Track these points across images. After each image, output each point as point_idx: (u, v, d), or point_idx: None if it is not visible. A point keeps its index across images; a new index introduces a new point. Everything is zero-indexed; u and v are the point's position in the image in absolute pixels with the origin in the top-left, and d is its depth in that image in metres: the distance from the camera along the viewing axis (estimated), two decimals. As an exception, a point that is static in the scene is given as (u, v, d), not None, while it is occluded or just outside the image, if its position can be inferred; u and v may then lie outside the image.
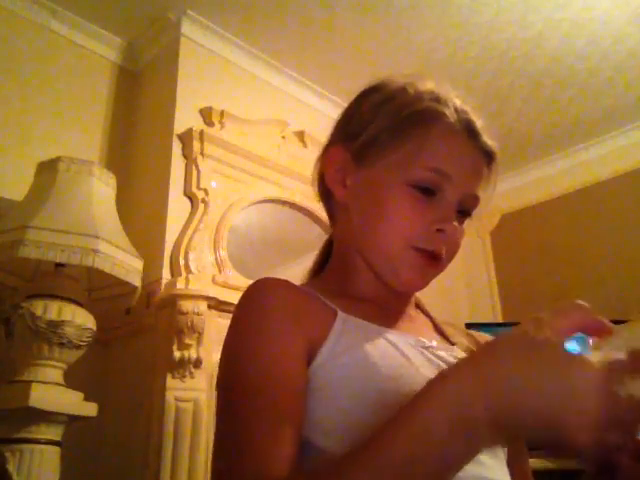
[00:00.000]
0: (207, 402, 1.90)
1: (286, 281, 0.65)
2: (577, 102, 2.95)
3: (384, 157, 0.66)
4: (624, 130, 3.17)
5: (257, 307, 0.62)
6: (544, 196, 3.41)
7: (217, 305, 1.98)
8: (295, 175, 2.53)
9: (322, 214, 2.64)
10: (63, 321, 1.64)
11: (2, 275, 1.84)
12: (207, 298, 1.94)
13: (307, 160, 2.62)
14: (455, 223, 0.65)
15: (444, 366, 0.62)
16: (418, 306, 0.76)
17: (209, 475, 1.79)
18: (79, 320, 1.68)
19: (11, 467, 1.50)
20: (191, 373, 1.88)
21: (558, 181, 3.38)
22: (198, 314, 1.88)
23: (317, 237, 2.58)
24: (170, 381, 1.86)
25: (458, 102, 0.67)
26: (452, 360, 0.64)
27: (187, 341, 1.88)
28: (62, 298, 1.69)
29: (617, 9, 2.41)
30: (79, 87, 2.43)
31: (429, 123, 0.65)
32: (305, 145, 2.65)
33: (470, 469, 0.46)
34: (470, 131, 0.65)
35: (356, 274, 0.70)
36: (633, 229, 3.04)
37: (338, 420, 0.55)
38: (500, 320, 3.27)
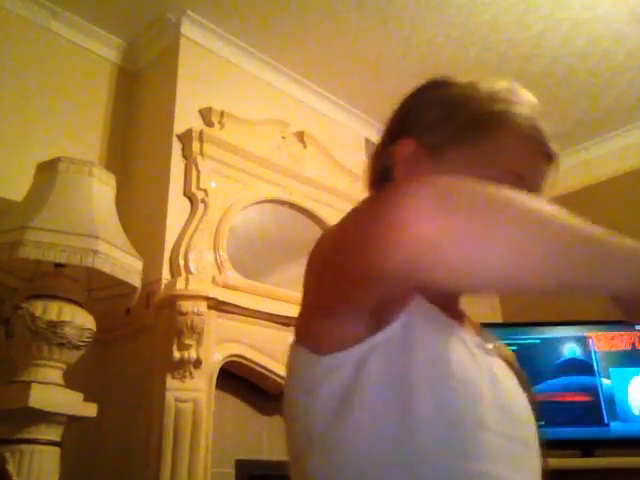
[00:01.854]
0: (207, 402, 1.90)
1: None
2: (577, 102, 2.95)
3: (462, 154, 0.65)
4: (624, 130, 3.17)
5: None
6: (544, 196, 3.41)
7: (217, 305, 1.99)
8: (295, 175, 2.53)
9: (322, 214, 2.64)
10: (63, 321, 1.64)
11: (2, 275, 1.84)
12: (207, 298, 1.94)
13: (307, 161, 2.63)
14: None
15: (502, 370, 0.63)
16: None
17: (209, 475, 1.78)
18: (79, 320, 1.68)
19: (11, 467, 1.50)
20: (191, 373, 1.88)
21: (558, 181, 3.37)
22: (198, 314, 1.88)
23: (316, 237, 2.59)
24: (170, 381, 1.86)
25: (531, 104, 0.67)
26: (504, 365, 0.65)
27: (187, 341, 1.88)
28: (62, 298, 1.69)
29: (617, 9, 2.41)
30: (79, 87, 2.43)
31: (506, 125, 0.65)
32: (305, 145, 2.65)
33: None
34: (540, 136, 0.66)
35: None
36: (633, 229, 3.03)
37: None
38: (500, 320, 3.27)
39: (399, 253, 0.44)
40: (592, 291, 0.48)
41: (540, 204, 0.46)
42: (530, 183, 0.65)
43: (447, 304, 0.65)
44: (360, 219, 0.51)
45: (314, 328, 0.59)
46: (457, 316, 0.67)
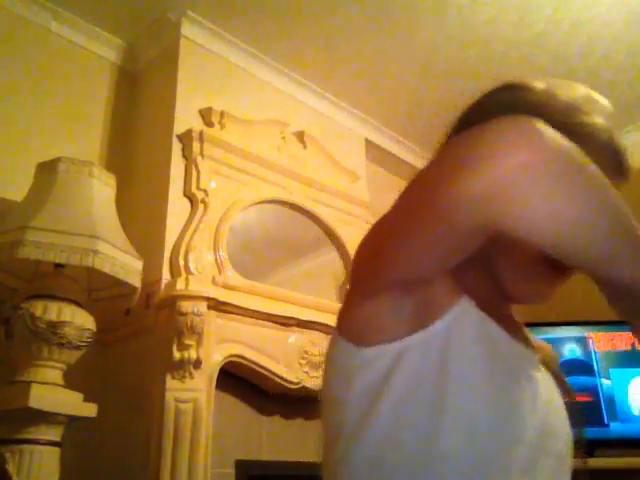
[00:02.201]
0: (207, 402, 1.90)
1: None
2: (577, 102, 2.95)
3: None
4: (624, 130, 3.16)
5: None
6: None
7: (217, 306, 1.99)
8: (295, 175, 2.53)
9: (322, 215, 2.64)
10: (63, 322, 1.64)
11: (2, 276, 1.84)
12: (207, 299, 1.94)
13: (307, 161, 2.63)
14: None
15: (544, 382, 0.62)
16: None
17: (209, 475, 1.78)
18: (79, 321, 1.68)
19: (11, 468, 1.50)
20: (191, 374, 1.88)
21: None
22: (198, 315, 1.88)
23: (316, 237, 2.59)
24: (170, 382, 1.86)
25: (608, 115, 0.67)
26: (546, 375, 0.64)
27: (187, 342, 1.88)
28: (62, 299, 1.69)
29: (617, 9, 2.41)
30: (79, 88, 2.43)
31: (582, 138, 0.61)
32: (305, 146, 2.65)
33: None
34: (616, 150, 0.66)
35: (479, 269, 0.66)
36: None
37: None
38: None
39: (481, 182, 0.43)
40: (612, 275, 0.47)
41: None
42: None
43: (497, 308, 0.63)
44: (441, 156, 0.52)
45: (356, 319, 0.59)
46: (507, 321, 0.65)
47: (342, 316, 0.62)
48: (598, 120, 0.65)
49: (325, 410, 0.63)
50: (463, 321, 0.57)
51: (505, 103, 0.68)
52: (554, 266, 0.62)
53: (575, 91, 0.68)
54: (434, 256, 0.52)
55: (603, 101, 0.68)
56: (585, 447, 2.34)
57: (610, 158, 0.65)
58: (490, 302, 0.62)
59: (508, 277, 0.65)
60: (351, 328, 0.59)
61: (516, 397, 0.57)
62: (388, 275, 0.55)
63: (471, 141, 0.47)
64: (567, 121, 0.63)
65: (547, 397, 0.61)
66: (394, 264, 0.54)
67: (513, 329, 0.65)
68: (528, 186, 0.43)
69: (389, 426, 0.54)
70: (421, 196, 0.51)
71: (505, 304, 0.69)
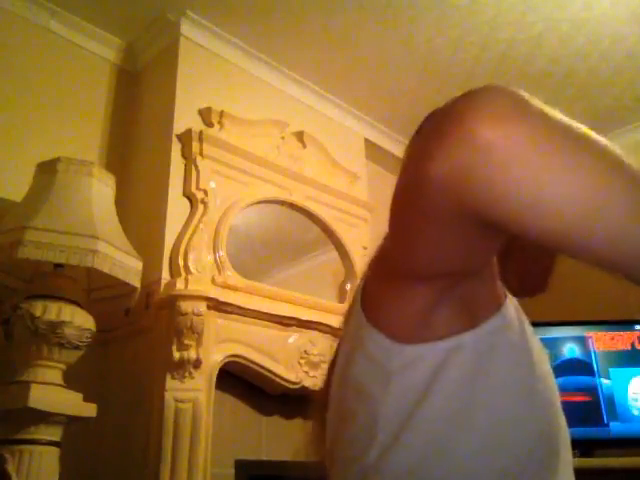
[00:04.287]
0: (206, 402, 1.90)
1: None
2: (576, 102, 2.95)
3: None
4: (624, 130, 3.16)
5: None
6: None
7: (216, 306, 1.99)
8: (295, 175, 2.53)
9: (321, 215, 2.64)
10: (62, 322, 1.63)
11: (1, 276, 1.84)
12: (206, 299, 1.94)
13: (306, 161, 2.63)
14: None
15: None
16: None
17: (208, 475, 1.79)
18: (78, 321, 1.68)
19: (10, 468, 1.50)
20: (190, 374, 1.88)
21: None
22: (197, 315, 1.88)
23: (316, 237, 2.59)
24: (169, 382, 1.86)
25: None
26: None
27: (186, 342, 1.88)
28: (61, 299, 1.69)
29: (616, 9, 2.41)
30: (78, 88, 2.42)
31: None
32: (304, 146, 2.65)
33: None
34: None
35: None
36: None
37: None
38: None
39: (452, 156, 0.38)
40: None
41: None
42: None
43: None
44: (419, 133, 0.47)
45: (397, 314, 0.54)
46: None
47: (375, 306, 0.56)
48: None
49: (346, 399, 0.58)
50: (510, 323, 0.55)
51: None
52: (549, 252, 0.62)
53: None
54: (448, 251, 0.47)
55: None
56: (585, 447, 2.34)
57: None
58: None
59: (514, 270, 0.65)
60: (391, 322, 0.54)
61: (550, 395, 0.57)
62: (423, 270, 0.50)
63: (440, 114, 0.42)
64: None
65: (559, 407, 0.62)
66: (421, 261, 0.49)
67: None
68: (519, 160, 0.37)
69: (437, 432, 0.51)
70: (400, 190, 0.46)
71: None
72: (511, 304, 0.57)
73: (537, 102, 0.40)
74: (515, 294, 0.64)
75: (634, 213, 0.36)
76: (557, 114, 0.40)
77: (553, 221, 0.37)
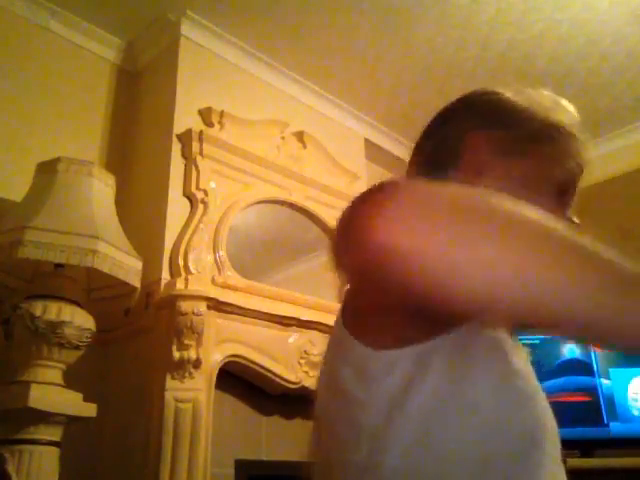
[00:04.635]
0: (206, 402, 1.90)
1: None
2: (576, 102, 2.93)
3: (528, 155, 0.68)
4: (624, 130, 3.16)
5: None
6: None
7: (216, 305, 1.99)
8: (295, 175, 2.53)
9: (321, 215, 2.63)
10: (62, 322, 1.63)
11: (1, 276, 1.84)
12: (206, 299, 1.94)
13: (306, 161, 2.62)
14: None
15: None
16: None
17: (208, 475, 1.78)
18: (78, 321, 1.68)
19: (10, 468, 1.50)
20: (190, 373, 1.88)
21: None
22: (197, 314, 1.88)
23: (316, 237, 2.59)
24: (169, 381, 1.86)
25: (574, 116, 0.74)
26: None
27: (186, 341, 1.88)
28: (61, 299, 1.69)
29: (616, 9, 2.41)
30: (78, 88, 2.42)
31: (568, 133, 0.70)
32: (304, 146, 2.65)
33: None
34: (582, 148, 0.71)
35: None
36: (633, 229, 3.04)
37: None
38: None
39: (358, 260, 0.43)
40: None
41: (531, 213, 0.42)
42: (570, 196, 0.70)
43: None
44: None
45: (372, 323, 0.58)
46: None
47: (354, 320, 0.61)
48: (567, 120, 0.71)
49: (333, 404, 0.62)
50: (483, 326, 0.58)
51: (493, 103, 0.72)
52: None
53: (544, 95, 0.73)
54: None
55: (567, 104, 0.74)
56: (585, 447, 2.34)
57: (578, 156, 0.69)
58: None
59: None
60: (369, 333, 0.58)
61: (531, 390, 0.58)
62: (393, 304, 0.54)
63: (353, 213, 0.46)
64: (543, 124, 0.69)
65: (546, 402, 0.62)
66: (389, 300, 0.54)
67: None
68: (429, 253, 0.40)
69: (417, 431, 0.53)
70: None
71: None
72: None
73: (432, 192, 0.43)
74: None
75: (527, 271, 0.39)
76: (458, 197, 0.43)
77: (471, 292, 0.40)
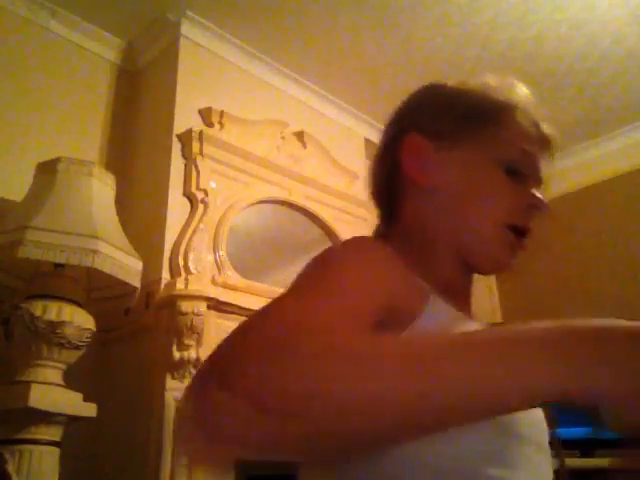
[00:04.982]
0: (207, 402, 1.90)
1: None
2: (577, 102, 2.95)
3: (470, 140, 0.67)
4: (624, 130, 3.17)
5: (360, 253, 0.56)
6: (544, 196, 3.40)
7: (217, 305, 1.99)
8: (295, 175, 2.53)
9: (321, 214, 2.62)
10: (62, 322, 1.63)
11: (1, 275, 1.84)
12: (207, 298, 1.94)
13: (306, 161, 2.63)
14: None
15: None
16: None
17: (208, 475, 1.77)
18: (78, 321, 1.68)
19: (11, 468, 1.50)
20: (191, 373, 1.88)
21: (558, 181, 3.37)
22: (198, 314, 1.88)
23: (316, 237, 2.59)
24: (170, 381, 1.86)
25: (523, 93, 0.70)
26: None
27: (187, 341, 1.88)
28: (61, 299, 1.69)
29: (616, 10, 2.41)
30: (78, 87, 2.42)
31: (509, 109, 0.67)
32: (304, 145, 2.65)
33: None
34: (534, 122, 0.68)
35: (434, 254, 0.68)
36: (633, 229, 3.04)
37: None
38: (500, 320, 3.26)
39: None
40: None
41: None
42: (536, 162, 0.67)
43: (456, 299, 0.65)
44: None
45: None
46: (469, 309, 0.68)
47: None
48: (513, 98, 0.68)
49: None
50: (434, 318, 0.57)
51: (433, 98, 0.73)
52: (514, 231, 0.65)
53: (488, 78, 0.71)
54: None
55: (516, 82, 0.71)
56: (585, 447, 2.34)
57: (530, 131, 0.67)
58: (446, 283, 0.64)
59: (473, 252, 0.67)
60: None
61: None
62: None
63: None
64: (484, 102, 0.68)
65: None
66: None
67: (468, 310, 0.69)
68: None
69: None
70: None
71: (466, 285, 0.70)
72: (437, 301, 0.59)
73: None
74: (479, 269, 0.69)
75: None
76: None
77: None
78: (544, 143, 0.69)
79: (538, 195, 0.67)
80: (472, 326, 0.62)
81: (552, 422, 0.66)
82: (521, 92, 0.70)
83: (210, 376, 0.38)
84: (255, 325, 0.42)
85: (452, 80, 0.73)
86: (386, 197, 0.76)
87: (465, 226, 0.67)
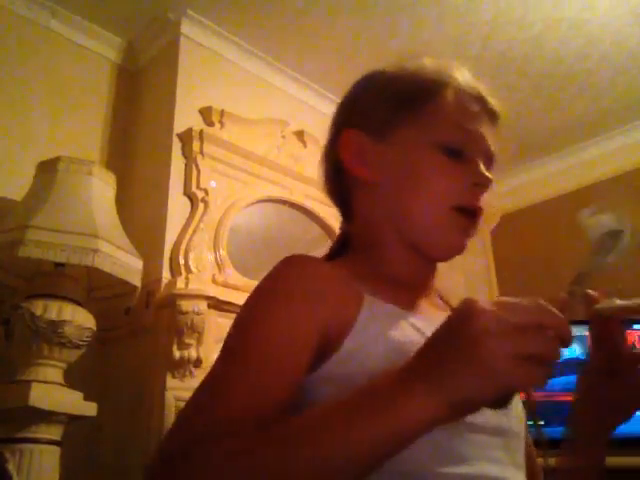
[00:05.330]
0: (207, 402, 1.90)
1: (316, 260, 0.63)
2: (576, 102, 2.95)
3: (405, 126, 0.66)
4: (624, 130, 3.16)
5: (280, 282, 0.59)
6: (544, 196, 3.40)
7: (217, 305, 1.99)
8: (295, 175, 2.53)
9: (322, 214, 2.62)
10: (63, 321, 1.63)
11: (2, 275, 1.84)
12: (207, 298, 1.94)
13: (307, 160, 2.62)
14: (488, 173, 0.66)
15: None
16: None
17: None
18: (79, 320, 1.68)
19: (11, 467, 1.50)
20: (191, 373, 1.88)
21: (558, 181, 3.37)
22: (198, 314, 1.88)
23: (317, 236, 2.59)
24: (170, 381, 1.86)
25: (461, 70, 0.69)
26: None
27: (187, 341, 1.88)
28: (62, 298, 1.69)
29: (616, 10, 2.41)
30: (79, 87, 2.42)
31: (442, 88, 0.66)
32: (305, 145, 2.65)
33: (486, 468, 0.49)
34: (477, 93, 0.67)
35: (385, 250, 0.68)
36: (633, 229, 3.04)
37: None
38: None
39: None
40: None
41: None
42: (478, 138, 0.66)
43: (412, 292, 0.65)
44: None
45: None
46: (426, 301, 0.67)
47: None
48: (449, 77, 0.67)
49: None
50: (371, 324, 0.57)
51: (367, 88, 0.72)
52: (462, 212, 0.64)
53: (424, 60, 0.71)
54: None
55: (453, 62, 0.71)
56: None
57: (470, 106, 0.66)
58: (402, 276, 0.65)
59: (422, 239, 0.66)
60: None
61: None
62: None
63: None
64: (419, 83, 0.67)
65: None
66: None
67: (434, 301, 0.69)
68: None
69: None
70: None
71: (426, 274, 0.70)
72: (377, 306, 0.59)
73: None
74: (432, 255, 0.68)
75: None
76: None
77: None
78: (490, 117, 0.68)
79: (482, 172, 0.65)
80: (415, 321, 0.60)
81: (536, 420, 0.65)
82: (457, 70, 0.69)
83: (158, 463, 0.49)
84: (186, 417, 0.54)
85: (389, 65, 0.72)
86: (339, 197, 0.75)
87: (409, 216, 0.66)
